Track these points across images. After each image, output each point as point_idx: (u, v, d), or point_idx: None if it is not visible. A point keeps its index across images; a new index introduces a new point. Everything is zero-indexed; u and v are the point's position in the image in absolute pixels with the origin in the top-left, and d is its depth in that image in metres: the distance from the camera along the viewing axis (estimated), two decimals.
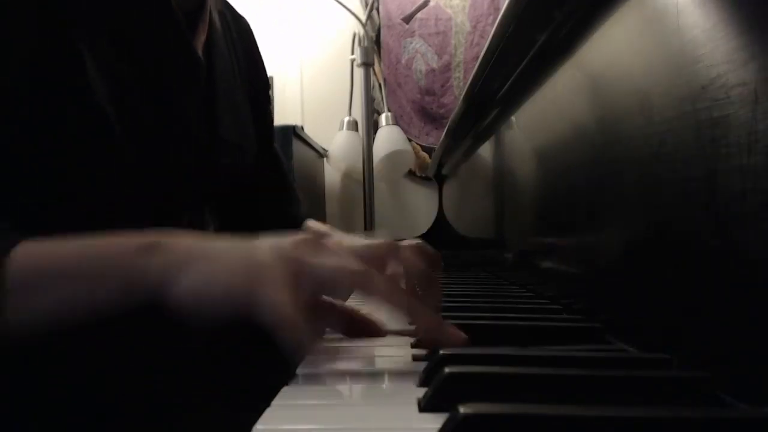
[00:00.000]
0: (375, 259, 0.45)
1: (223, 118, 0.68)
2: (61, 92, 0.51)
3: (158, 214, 0.60)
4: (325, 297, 0.48)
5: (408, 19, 2.20)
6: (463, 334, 0.41)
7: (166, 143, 0.59)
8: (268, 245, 0.41)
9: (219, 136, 0.68)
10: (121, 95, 0.54)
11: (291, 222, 0.89)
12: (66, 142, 0.52)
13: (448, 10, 2.18)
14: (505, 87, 0.86)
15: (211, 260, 0.41)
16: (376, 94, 2.18)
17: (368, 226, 1.95)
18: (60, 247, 0.43)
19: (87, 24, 0.52)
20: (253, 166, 0.76)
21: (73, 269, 0.42)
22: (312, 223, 0.94)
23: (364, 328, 0.51)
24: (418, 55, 2.20)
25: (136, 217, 0.57)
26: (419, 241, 0.53)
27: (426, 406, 0.29)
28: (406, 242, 0.52)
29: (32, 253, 0.42)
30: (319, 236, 0.44)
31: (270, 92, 0.86)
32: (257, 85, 0.81)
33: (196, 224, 0.66)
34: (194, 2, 0.64)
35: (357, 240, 0.50)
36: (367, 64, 1.96)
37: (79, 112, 0.52)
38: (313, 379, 0.37)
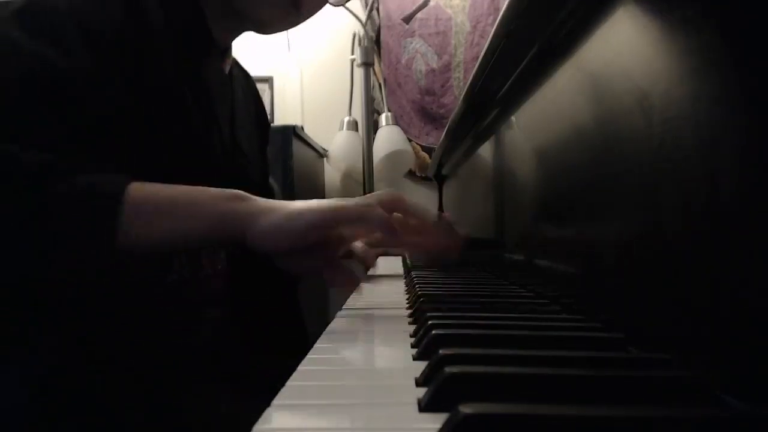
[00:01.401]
0: (385, 204, 0.62)
1: (240, 131, 0.83)
2: (143, 96, 0.63)
3: None
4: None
5: (408, 19, 2.20)
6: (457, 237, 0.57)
7: (208, 146, 0.73)
8: (325, 203, 0.58)
9: (239, 146, 0.82)
10: (181, 102, 0.68)
11: None
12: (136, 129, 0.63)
13: (448, 10, 2.18)
14: (505, 87, 0.86)
15: (286, 208, 0.56)
16: (376, 94, 2.18)
17: None
18: (166, 188, 0.54)
19: (162, 46, 0.66)
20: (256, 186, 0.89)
21: (179, 204, 0.54)
22: None
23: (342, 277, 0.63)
24: (418, 55, 2.20)
25: None
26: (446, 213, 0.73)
27: (426, 406, 0.29)
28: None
29: (144, 189, 0.53)
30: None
31: (268, 134, 1.05)
32: (260, 127, 0.96)
33: None
34: (226, 42, 0.81)
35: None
36: (367, 64, 1.96)
37: (157, 104, 0.65)
38: (313, 378, 0.37)
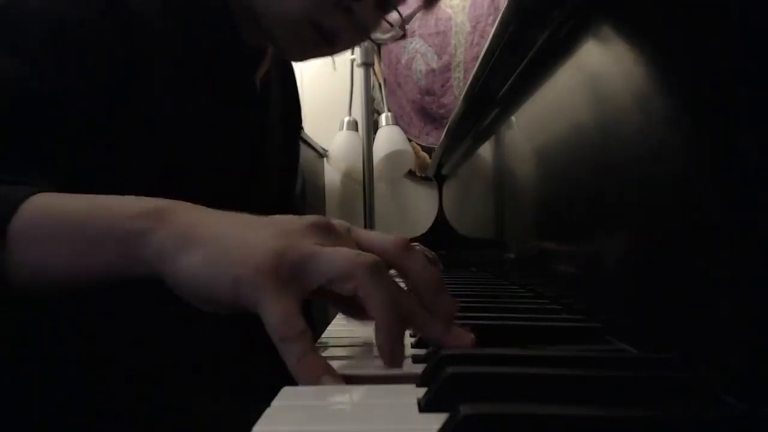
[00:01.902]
0: (385, 255, 0.40)
1: (269, 146, 0.74)
2: (130, 103, 0.55)
3: None
4: None
5: (408, 19, 2.19)
6: (470, 335, 0.40)
7: (217, 162, 0.64)
8: (277, 230, 0.38)
9: (265, 161, 0.73)
10: (184, 111, 0.59)
11: None
12: (126, 148, 0.56)
13: (448, 10, 2.18)
14: (505, 87, 0.86)
15: (215, 241, 0.37)
16: (376, 94, 2.18)
17: (368, 226, 1.95)
18: (70, 203, 0.42)
19: (163, 49, 0.58)
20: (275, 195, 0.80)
21: (76, 226, 0.41)
22: None
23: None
24: (418, 55, 2.20)
25: None
26: (416, 244, 0.51)
27: (426, 406, 0.29)
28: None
29: (45, 205, 0.42)
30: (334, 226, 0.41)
31: (299, 134, 0.93)
32: (291, 121, 0.86)
33: None
34: (260, 45, 0.70)
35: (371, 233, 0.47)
36: (367, 64, 1.96)
37: (145, 122, 0.57)
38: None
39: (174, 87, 0.59)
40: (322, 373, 0.34)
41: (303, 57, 0.69)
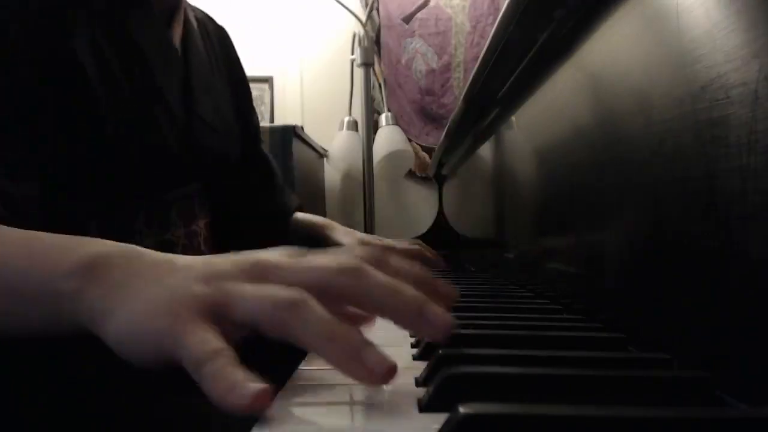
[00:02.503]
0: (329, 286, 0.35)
1: (200, 100, 0.74)
2: (53, 68, 0.55)
3: (146, 197, 0.65)
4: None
5: (408, 19, 2.20)
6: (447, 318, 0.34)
7: (148, 120, 0.65)
8: (201, 273, 0.35)
9: (197, 115, 0.73)
10: (108, 73, 0.60)
11: (280, 212, 0.92)
12: (53, 117, 0.56)
13: (448, 10, 2.18)
14: (505, 87, 0.86)
15: (138, 298, 0.35)
16: (376, 94, 2.18)
17: (368, 226, 1.95)
18: (2, 250, 0.39)
19: (77, 10, 0.58)
20: (237, 156, 0.83)
21: (9, 280, 0.38)
22: (302, 216, 0.96)
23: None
24: (418, 55, 2.20)
25: (123, 201, 0.60)
26: (417, 244, 0.47)
27: (426, 406, 0.29)
28: (401, 245, 0.46)
29: None
30: (295, 253, 0.38)
31: (251, 96, 0.95)
32: (238, 86, 0.89)
33: (187, 214, 0.69)
34: (170, 3, 0.73)
35: (350, 240, 0.41)
36: (367, 64, 1.96)
37: (68, 87, 0.57)
38: (313, 378, 0.37)
39: (92, 40, 0.59)
40: (243, 383, 0.29)
41: None
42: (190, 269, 0.36)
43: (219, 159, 0.78)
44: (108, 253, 0.38)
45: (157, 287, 0.35)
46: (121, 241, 0.40)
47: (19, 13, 0.54)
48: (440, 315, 0.34)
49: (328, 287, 0.34)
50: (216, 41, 0.85)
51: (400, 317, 0.35)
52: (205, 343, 0.31)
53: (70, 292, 0.36)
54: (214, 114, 0.77)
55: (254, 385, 0.28)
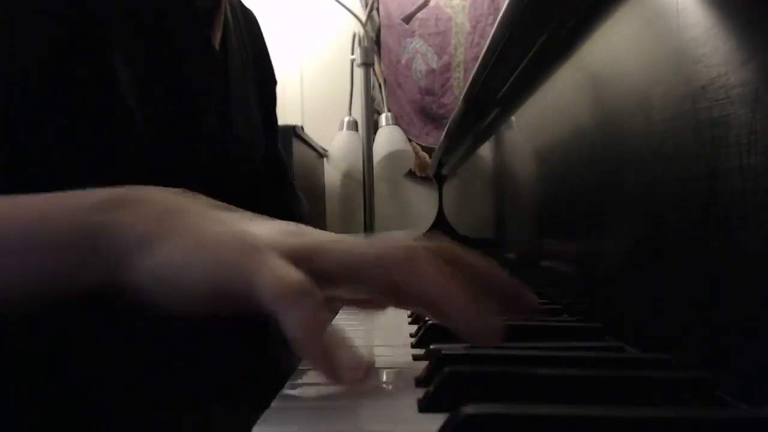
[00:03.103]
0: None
1: (236, 117, 0.68)
2: (87, 83, 0.49)
3: None
4: None
5: (408, 19, 2.20)
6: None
7: (184, 137, 0.59)
8: (271, 223, 0.32)
9: (233, 135, 0.67)
10: (144, 89, 0.53)
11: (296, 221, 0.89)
12: (87, 131, 0.51)
13: (448, 10, 2.18)
14: (505, 87, 0.86)
15: (196, 229, 0.30)
16: (376, 94, 2.18)
17: (368, 226, 1.95)
18: (17, 204, 0.35)
19: (116, 19, 0.52)
20: (259, 164, 0.76)
21: (23, 231, 0.33)
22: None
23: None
24: (418, 55, 2.20)
25: None
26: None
27: (426, 406, 0.29)
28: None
29: None
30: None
31: (275, 92, 0.86)
32: (266, 81, 0.81)
33: None
34: (212, 0, 0.63)
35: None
36: (367, 64, 1.96)
37: (103, 103, 0.51)
38: (313, 378, 0.37)
39: (132, 56, 0.53)
40: (331, 342, 0.27)
41: None
42: (255, 222, 0.32)
43: (246, 172, 0.74)
44: (137, 189, 0.34)
45: (220, 226, 0.31)
46: None
47: (53, 27, 0.48)
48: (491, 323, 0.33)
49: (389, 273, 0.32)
50: (246, 32, 0.77)
51: (451, 321, 0.33)
52: (289, 276, 0.27)
53: (98, 223, 0.32)
54: (246, 126, 0.71)
55: (338, 348, 0.28)
